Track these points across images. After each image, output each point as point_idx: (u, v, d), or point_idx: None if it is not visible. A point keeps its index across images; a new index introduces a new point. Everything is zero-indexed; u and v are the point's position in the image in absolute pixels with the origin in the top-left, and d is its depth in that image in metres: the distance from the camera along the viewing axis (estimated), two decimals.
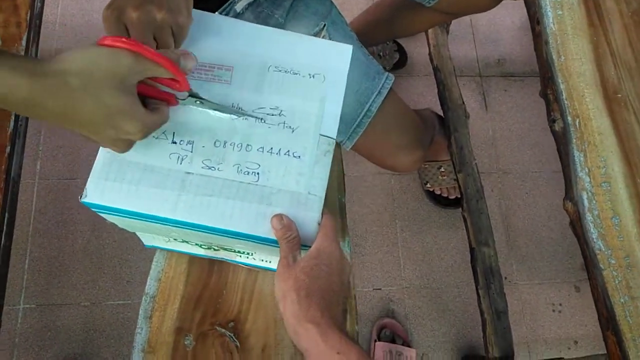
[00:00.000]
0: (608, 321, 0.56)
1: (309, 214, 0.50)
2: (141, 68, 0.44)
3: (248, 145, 0.52)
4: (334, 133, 0.54)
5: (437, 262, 1.33)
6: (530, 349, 1.28)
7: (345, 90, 0.74)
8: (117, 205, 0.48)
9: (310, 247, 0.49)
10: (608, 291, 0.54)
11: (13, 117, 0.82)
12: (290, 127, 0.53)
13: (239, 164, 0.51)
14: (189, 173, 0.50)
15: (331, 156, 0.53)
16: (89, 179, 0.48)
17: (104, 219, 0.54)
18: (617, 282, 0.54)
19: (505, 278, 1.32)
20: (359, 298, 1.27)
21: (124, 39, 0.43)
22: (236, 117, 0.53)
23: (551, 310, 1.32)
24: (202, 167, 0.50)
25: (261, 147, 0.52)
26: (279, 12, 0.73)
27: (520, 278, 1.34)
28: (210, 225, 0.49)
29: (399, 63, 1.45)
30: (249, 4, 0.73)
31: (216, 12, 0.74)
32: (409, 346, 1.21)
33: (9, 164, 0.80)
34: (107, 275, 1.24)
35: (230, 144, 0.52)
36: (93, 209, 0.49)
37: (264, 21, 0.68)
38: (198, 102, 0.50)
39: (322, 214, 0.51)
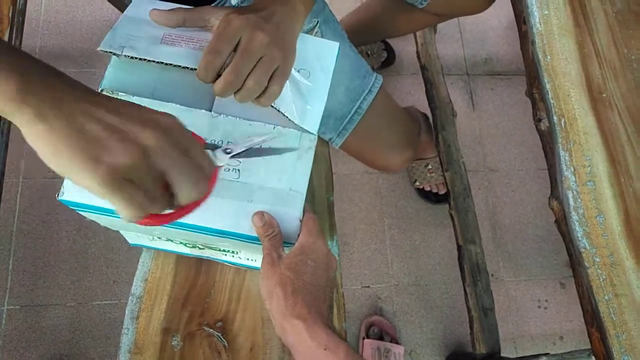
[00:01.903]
0: (592, 318, 0.57)
1: (291, 211, 0.50)
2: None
3: (229, 142, 0.52)
4: (315, 129, 0.53)
5: (425, 259, 1.34)
6: (517, 345, 1.30)
7: (337, 86, 0.74)
8: (94, 203, 0.47)
9: (292, 244, 0.49)
10: (593, 289, 0.55)
11: None
12: (272, 123, 0.53)
13: None
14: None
15: (313, 152, 0.53)
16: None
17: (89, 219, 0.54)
18: (601, 280, 0.55)
19: (492, 275, 1.33)
20: (347, 296, 1.27)
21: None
22: (216, 114, 0.53)
23: (537, 307, 1.33)
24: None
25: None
26: None
27: (507, 275, 1.36)
28: (190, 223, 0.48)
29: (387, 62, 1.45)
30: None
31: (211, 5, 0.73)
32: (397, 343, 1.22)
33: None
34: (94, 275, 1.22)
35: (211, 141, 0.52)
36: (71, 207, 0.48)
37: None
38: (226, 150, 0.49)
39: (304, 211, 0.51)
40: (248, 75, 0.46)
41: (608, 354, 0.53)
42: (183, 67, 0.50)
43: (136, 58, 0.50)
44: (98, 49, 0.51)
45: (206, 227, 0.49)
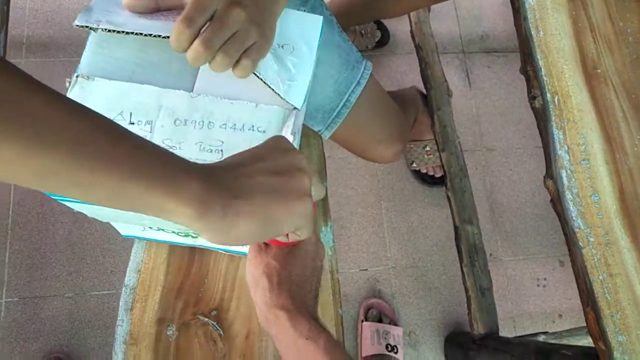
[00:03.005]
0: (588, 298, 0.56)
1: None
2: None
3: (210, 122, 0.50)
4: (300, 104, 0.52)
5: (423, 241, 1.34)
6: (516, 324, 1.30)
7: (325, 79, 0.73)
8: None
9: None
10: (587, 269, 0.54)
11: None
12: (253, 101, 0.52)
13: (201, 141, 0.50)
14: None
15: (298, 136, 0.52)
16: None
17: None
18: (596, 259, 0.54)
19: (491, 254, 1.33)
20: (345, 279, 1.27)
21: None
22: (196, 95, 0.51)
23: (536, 285, 1.33)
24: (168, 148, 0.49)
25: (224, 124, 0.51)
26: None
27: (505, 254, 1.35)
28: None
29: (381, 41, 1.42)
30: None
31: None
32: (395, 325, 1.22)
33: None
34: (91, 266, 1.22)
35: (192, 122, 0.50)
36: (56, 199, 0.47)
37: None
38: None
39: None
40: (220, 48, 0.45)
41: (603, 334, 0.53)
42: (163, 37, 0.48)
43: (114, 31, 0.49)
44: (74, 23, 0.49)
45: None
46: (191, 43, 0.45)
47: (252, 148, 0.41)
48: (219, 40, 0.45)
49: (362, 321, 1.21)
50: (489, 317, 1.03)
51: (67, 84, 0.50)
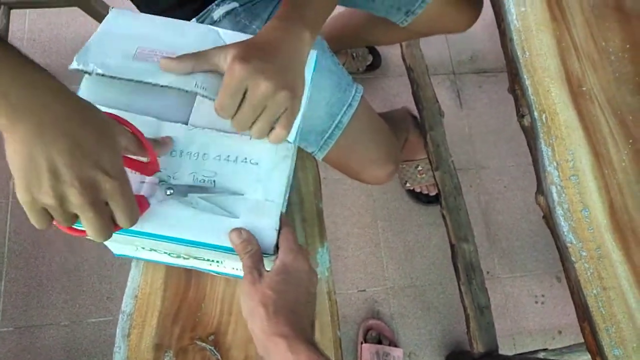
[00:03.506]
0: (583, 312, 0.57)
1: (267, 221, 0.50)
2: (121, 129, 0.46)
3: (205, 153, 0.52)
4: (292, 138, 0.53)
5: (420, 260, 1.34)
6: (515, 342, 1.30)
7: (317, 102, 0.74)
8: None
9: (269, 254, 0.49)
10: (581, 283, 0.54)
11: None
12: (247, 134, 0.53)
13: (195, 172, 0.51)
14: (143, 182, 0.50)
15: (289, 161, 0.53)
16: None
17: (81, 237, 0.53)
18: (589, 273, 0.55)
19: (488, 272, 1.33)
20: (344, 300, 1.27)
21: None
22: (192, 127, 0.52)
23: (534, 302, 1.33)
24: (154, 176, 0.50)
25: (218, 155, 0.52)
26: (256, 23, 0.72)
27: (503, 271, 1.35)
28: (164, 234, 0.48)
29: (373, 65, 1.45)
30: (227, 13, 0.72)
31: (192, 20, 0.73)
32: (395, 346, 1.21)
33: None
34: (87, 293, 1.21)
35: (187, 153, 0.51)
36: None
37: (241, 31, 0.68)
38: (168, 190, 0.49)
39: (280, 221, 0.50)
40: (253, 123, 0.50)
41: (599, 348, 0.53)
42: (154, 85, 0.50)
43: (107, 76, 0.50)
44: (69, 67, 0.51)
45: (181, 239, 0.48)
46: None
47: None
48: (249, 120, 0.49)
49: (362, 343, 1.20)
50: (488, 335, 1.03)
51: None
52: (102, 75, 0.50)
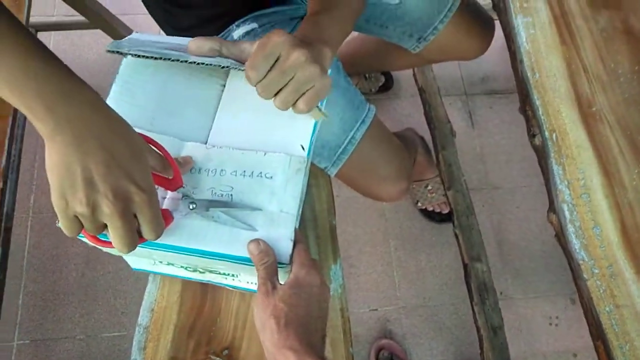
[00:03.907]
0: (596, 330, 0.57)
1: (282, 232, 0.51)
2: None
3: (222, 170, 0.54)
4: (306, 151, 0.56)
5: (432, 280, 1.34)
6: None
7: (331, 117, 0.76)
8: None
9: (285, 264, 0.50)
10: (593, 301, 0.55)
11: (5, 154, 0.83)
12: (262, 150, 0.55)
13: (213, 187, 0.53)
14: (164, 197, 0.52)
15: (303, 174, 0.55)
16: None
17: (97, 251, 0.55)
18: (601, 291, 0.55)
19: (501, 293, 1.32)
20: (355, 319, 1.26)
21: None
22: (211, 146, 0.55)
23: (548, 324, 1.32)
24: (177, 192, 0.52)
25: (234, 171, 0.54)
26: None
27: (516, 292, 1.34)
28: (185, 246, 0.50)
29: (385, 86, 1.48)
30: (246, 33, 0.75)
31: None
32: None
33: (1, 200, 0.81)
34: (102, 307, 1.23)
35: (205, 170, 0.54)
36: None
37: None
38: (191, 204, 0.51)
39: (295, 232, 0.52)
40: (281, 90, 0.50)
41: None
42: (190, 63, 0.51)
43: (142, 56, 0.52)
44: (106, 48, 0.53)
45: (200, 250, 0.50)
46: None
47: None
48: (276, 86, 0.50)
49: None
50: (501, 356, 1.02)
51: None
52: (137, 56, 0.53)
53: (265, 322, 0.47)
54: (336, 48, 0.60)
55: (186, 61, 0.51)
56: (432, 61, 1.14)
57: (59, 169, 0.41)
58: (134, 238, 0.45)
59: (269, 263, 0.49)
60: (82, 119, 0.41)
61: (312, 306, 0.48)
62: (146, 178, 0.44)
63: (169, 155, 0.50)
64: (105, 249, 0.56)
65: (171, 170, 0.50)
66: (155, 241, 0.48)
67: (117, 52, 0.53)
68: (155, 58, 0.52)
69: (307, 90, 0.51)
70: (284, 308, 0.47)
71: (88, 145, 0.41)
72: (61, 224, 0.44)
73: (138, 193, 0.43)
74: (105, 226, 0.44)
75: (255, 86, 0.51)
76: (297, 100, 0.51)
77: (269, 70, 0.49)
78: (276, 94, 0.51)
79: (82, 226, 0.44)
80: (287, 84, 0.50)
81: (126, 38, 0.58)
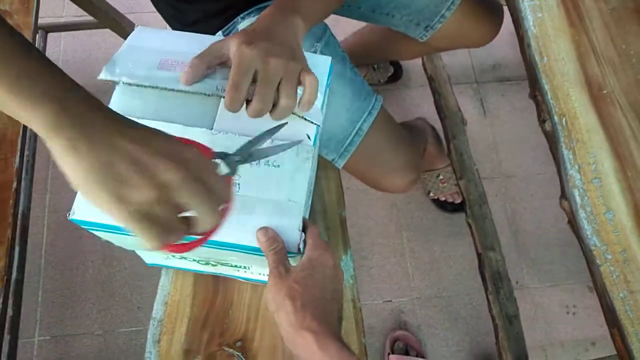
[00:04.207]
0: (611, 316, 0.56)
1: (290, 221, 0.51)
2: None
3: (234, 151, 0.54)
4: (319, 120, 0.55)
5: (446, 270, 1.33)
6: (547, 353, 1.26)
7: (338, 109, 0.76)
8: (103, 221, 0.49)
9: (294, 253, 0.50)
10: (606, 286, 0.54)
11: (19, 153, 0.85)
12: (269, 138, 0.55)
13: None
14: None
15: (310, 163, 0.55)
16: (76, 197, 0.50)
17: (113, 248, 0.56)
18: (614, 277, 0.54)
19: (517, 282, 1.31)
20: (369, 311, 1.26)
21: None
22: (217, 132, 0.55)
23: (565, 312, 1.30)
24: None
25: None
26: None
27: (532, 281, 1.33)
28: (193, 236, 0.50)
29: (394, 76, 1.46)
30: (252, 25, 0.75)
31: (217, 33, 0.77)
32: (423, 357, 1.20)
33: (16, 199, 0.82)
34: (119, 303, 1.25)
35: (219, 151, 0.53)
36: (82, 226, 0.50)
37: None
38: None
39: (303, 221, 0.52)
40: (279, 97, 0.50)
41: (628, 352, 0.52)
42: (181, 92, 0.52)
43: (134, 85, 0.53)
44: (98, 77, 0.54)
45: (210, 241, 0.50)
46: (243, 103, 0.50)
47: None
48: (270, 93, 0.50)
49: (389, 354, 1.20)
50: (517, 345, 1.01)
51: None
52: (129, 84, 0.54)
53: (281, 303, 0.47)
54: (315, 17, 0.59)
55: (179, 91, 0.52)
56: (441, 49, 1.13)
57: (93, 172, 0.35)
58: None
59: (278, 248, 0.49)
60: (98, 116, 0.37)
61: (326, 287, 0.48)
62: (195, 153, 0.39)
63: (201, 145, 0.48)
64: (117, 244, 0.57)
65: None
66: None
67: (110, 81, 0.54)
68: (145, 86, 0.53)
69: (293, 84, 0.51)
70: (299, 289, 0.47)
71: (116, 137, 0.36)
72: (139, 233, 0.36)
73: (197, 161, 0.38)
74: (178, 213, 0.38)
75: (248, 108, 0.50)
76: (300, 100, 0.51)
77: (257, 88, 0.49)
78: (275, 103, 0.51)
79: (159, 226, 0.37)
80: (281, 88, 0.50)
81: (127, 41, 0.58)
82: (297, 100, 0.51)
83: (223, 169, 0.49)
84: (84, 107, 0.37)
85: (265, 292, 0.71)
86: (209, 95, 0.54)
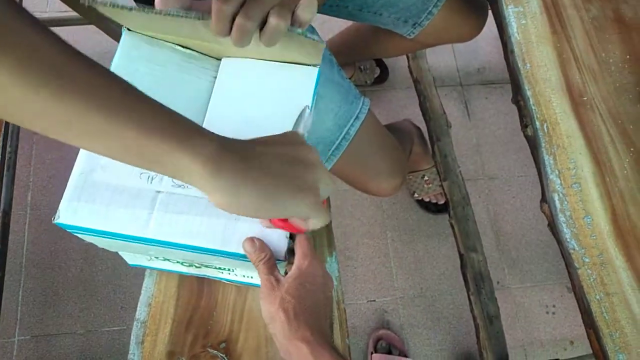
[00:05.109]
0: (588, 318, 0.57)
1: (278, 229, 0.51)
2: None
3: None
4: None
5: (430, 270, 1.35)
6: (527, 352, 1.29)
7: (325, 113, 0.76)
8: (89, 225, 0.49)
9: (282, 261, 0.51)
10: (584, 289, 0.55)
11: (0, 150, 0.84)
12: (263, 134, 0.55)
13: None
14: (159, 192, 0.51)
15: None
16: (61, 201, 0.49)
17: (96, 247, 0.55)
18: (591, 279, 0.56)
19: (498, 282, 1.33)
20: (353, 310, 1.27)
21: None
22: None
23: (545, 312, 1.33)
24: (172, 186, 0.51)
25: None
26: None
27: (513, 282, 1.35)
28: (180, 242, 0.50)
29: (380, 77, 1.47)
30: None
31: None
32: (405, 356, 1.21)
33: None
34: (102, 302, 1.24)
35: None
36: (67, 230, 0.50)
37: None
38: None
39: None
40: (269, 15, 0.41)
41: (603, 353, 0.54)
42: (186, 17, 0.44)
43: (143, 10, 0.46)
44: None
45: (194, 246, 0.50)
46: (232, 21, 0.41)
47: (268, 136, 0.44)
48: (260, 8, 0.40)
49: (372, 353, 1.21)
50: (498, 344, 1.03)
51: None
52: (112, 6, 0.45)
53: (275, 315, 0.47)
54: None
55: (152, 12, 0.45)
56: (428, 45, 1.14)
57: (266, 193, 0.39)
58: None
59: (267, 258, 0.49)
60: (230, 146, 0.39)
61: (317, 295, 0.49)
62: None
63: None
64: (100, 246, 0.56)
65: None
66: (145, 236, 0.49)
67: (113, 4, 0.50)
68: (130, 9, 0.45)
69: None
70: (292, 300, 0.47)
71: (257, 154, 0.40)
72: (320, 214, 0.43)
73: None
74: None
75: (230, 27, 0.41)
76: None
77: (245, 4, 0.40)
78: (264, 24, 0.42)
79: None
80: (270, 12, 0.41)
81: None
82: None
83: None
84: (221, 142, 0.39)
85: (250, 294, 0.71)
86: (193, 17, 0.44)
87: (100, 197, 0.50)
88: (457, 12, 0.94)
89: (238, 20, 0.41)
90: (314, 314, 0.47)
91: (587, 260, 0.57)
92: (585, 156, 0.62)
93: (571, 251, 0.57)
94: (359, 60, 1.42)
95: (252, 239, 0.50)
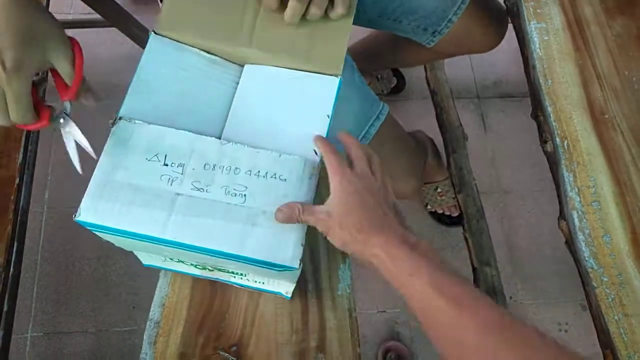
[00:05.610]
0: (605, 339, 0.57)
1: (293, 234, 0.52)
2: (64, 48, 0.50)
3: (236, 168, 0.54)
4: (317, 158, 0.56)
5: None
6: None
7: (345, 114, 0.77)
8: (109, 224, 0.49)
9: (293, 268, 0.51)
10: (602, 309, 0.55)
11: (22, 149, 0.85)
12: (277, 149, 0.56)
13: (227, 186, 0.53)
14: (178, 194, 0.52)
15: (316, 179, 0.55)
16: (83, 199, 0.50)
17: (110, 247, 0.56)
18: (610, 299, 0.55)
19: (511, 297, 1.32)
20: (364, 320, 1.27)
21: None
22: (225, 142, 0.56)
23: (557, 330, 1.31)
24: (192, 189, 0.52)
25: (249, 171, 0.54)
26: None
27: (526, 297, 1.34)
28: (197, 244, 0.50)
29: (397, 88, 1.48)
30: None
31: None
32: None
33: (17, 195, 0.82)
34: (114, 302, 1.25)
35: (219, 167, 0.54)
36: (86, 227, 0.51)
37: None
38: (65, 126, 0.52)
39: (306, 235, 0.53)
40: (309, 5, 0.54)
41: None
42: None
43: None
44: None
45: (211, 249, 0.51)
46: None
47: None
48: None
49: None
50: None
51: (111, 125, 0.55)
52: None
53: (344, 242, 0.48)
54: None
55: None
56: (446, 55, 1.13)
57: None
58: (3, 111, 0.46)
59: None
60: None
61: (364, 199, 0.49)
62: (18, 60, 0.45)
63: (79, 66, 0.51)
64: (117, 245, 0.57)
65: (72, 79, 0.51)
66: (167, 238, 0.49)
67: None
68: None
69: None
70: (347, 220, 0.48)
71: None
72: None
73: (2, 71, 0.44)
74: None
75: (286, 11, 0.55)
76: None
77: None
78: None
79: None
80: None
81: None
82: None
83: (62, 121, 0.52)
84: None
85: (261, 299, 0.71)
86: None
87: (121, 196, 0.51)
88: (478, 21, 0.93)
89: (291, 2, 0.54)
90: (369, 218, 0.47)
91: (605, 279, 0.56)
92: (606, 174, 0.61)
93: (589, 270, 0.56)
94: (377, 69, 1.42)
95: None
